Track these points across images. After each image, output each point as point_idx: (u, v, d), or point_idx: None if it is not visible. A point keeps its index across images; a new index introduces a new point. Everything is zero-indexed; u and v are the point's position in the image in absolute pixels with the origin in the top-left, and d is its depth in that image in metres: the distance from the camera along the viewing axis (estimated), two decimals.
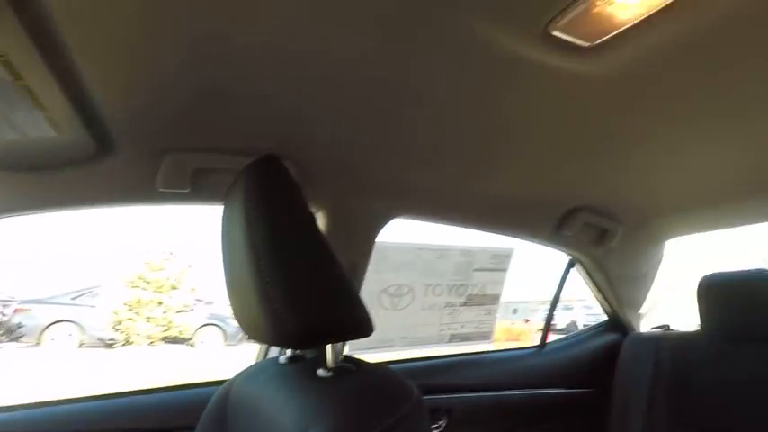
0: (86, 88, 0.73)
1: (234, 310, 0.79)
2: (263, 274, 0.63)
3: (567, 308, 12.55)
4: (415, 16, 0.66)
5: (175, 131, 0.91)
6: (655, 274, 1.86)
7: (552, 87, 0.84)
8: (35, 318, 7.11)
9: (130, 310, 8.40)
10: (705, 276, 1.51)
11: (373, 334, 1.58)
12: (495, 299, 1.65)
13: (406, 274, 1.46)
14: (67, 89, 0.71)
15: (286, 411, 0.63)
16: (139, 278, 8.77)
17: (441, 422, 1.48)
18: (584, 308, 10.97)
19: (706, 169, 1.25)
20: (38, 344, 7.01)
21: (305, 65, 0.76)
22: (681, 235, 1.79)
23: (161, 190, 0.97)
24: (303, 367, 0.78)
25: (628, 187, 1.38)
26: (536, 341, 1.84)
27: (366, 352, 1.50)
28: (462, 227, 1.43)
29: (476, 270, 1.56)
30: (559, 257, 1.80)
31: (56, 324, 7.18)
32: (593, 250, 1.67)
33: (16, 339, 6.99)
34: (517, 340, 10.71)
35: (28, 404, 1.04)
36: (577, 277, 1.87)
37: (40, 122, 0.77)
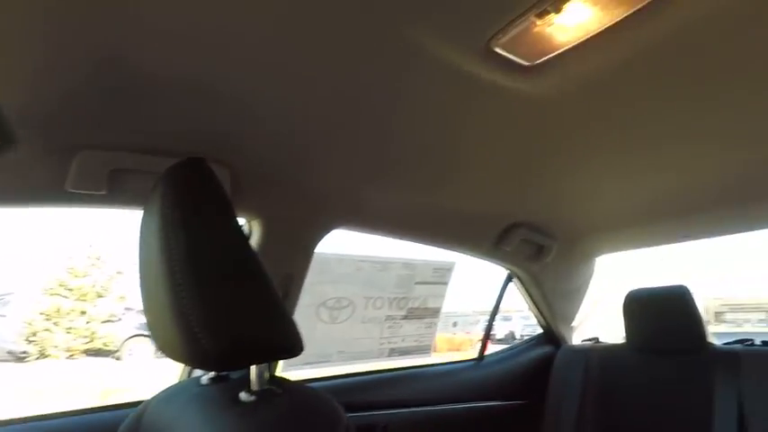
0: None
1: (149, 325, 0.71)
2: (179, 288, 0.56)
3: (506, 318, 12.98)
4: (356, 25, 0.64)
5: (89, 127, 0.82)
6: (586, 289, 1.94)
7: (494, 104, 0.84)
8: None
9: (48, 319, 7.65)
10: (629, 292, 1.60)
11: (311, 348, 1.53)
12: (435, 312, 1.65)
13: (346, 287, 1.42)
14: None
15: None
16: (60, 285, 8.03)
17: None
18: (521, 318, 11.42)
19: (635, 191, 1.32)
20: None
21: (240, 65, 0.71)
22: (611, 252, 1.89)
23: (71, 190, 0.86)
24: (225, 389, 0.71)
25: (563, 205, 1.44)
26: (477, 350, 1.86)
27: (303, 367, 1.44)
28: (404, 239, 1.41)
29: (417, 283, 1.55)
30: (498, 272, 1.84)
31: None
32: (530, 265, 1.72)
33: None
34: (458, 350, 10.92)
35: None
36: (516, 290, 1.92)
37: None
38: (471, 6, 0.62)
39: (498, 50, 0.69)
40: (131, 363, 7.42)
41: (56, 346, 7.51)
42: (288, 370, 1.37)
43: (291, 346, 0.66)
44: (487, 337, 1.87)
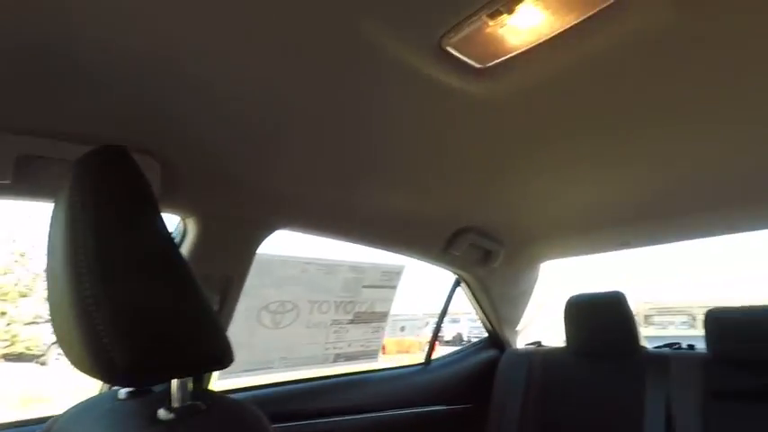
0: None
1: (55, 332, 0.63)
2: (86, 293, 0.49)
3: (455, 321, 13.26)
4: (306, 15, 0.59)
5: None
6: (531, 294, 1.99)
7: (446, 106, 0.82)
8: None
9: None
10: (570, 297, 1.65)
11: (251, 355, 1.45)
12: (383, 316, 1.62)
13: (290, 290, 1.36)
14: None
15: None
16: None
17: None
18: (469, 321, 11.69)
19: (580, 199, 1.35)
20: None
21: (172, 49, 0.64)
22: (556, 258, 1.94)
23: None
24: (143, 405, 0.63)
25: (511, 211, 1.45)
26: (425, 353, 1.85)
27: (241, 375, 1.36)
28: (352, 242, 1.37)
29: (365, 287, 1.51)
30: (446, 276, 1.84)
31: None
32: (478, 270, 1.73)
33: None
34: (407, 352, 11.02)
35: None
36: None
37: None
38: (424, 2, 0.59)
39: (450, 50, 0.66)
40: (58, 368, 6.85)
41: None
42: (225, 378, 1.29)
43: (219, 357, 0.60)
44: (435, 341, 1.86)
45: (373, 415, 1.55)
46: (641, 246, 1.71)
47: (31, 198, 0.84)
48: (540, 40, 0.64)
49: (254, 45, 0.66)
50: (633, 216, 1.45)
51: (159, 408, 0.57)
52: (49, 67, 0.68)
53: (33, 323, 7.41)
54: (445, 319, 1.96)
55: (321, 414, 1.43)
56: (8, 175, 0.77)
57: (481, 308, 1.90)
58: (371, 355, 1.65)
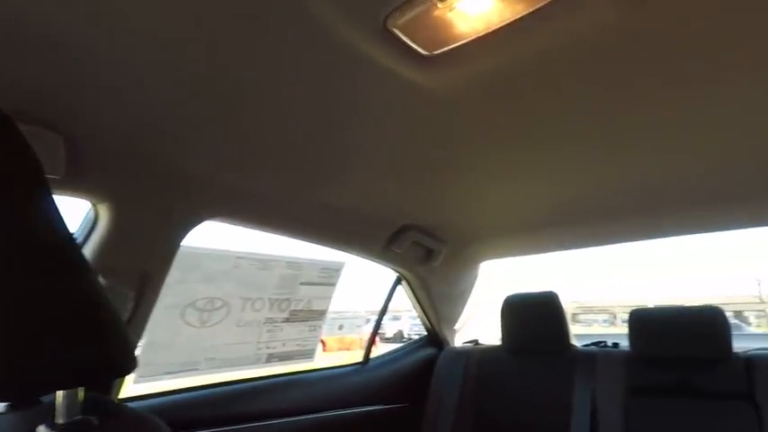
0: None
1: None
2: None
3: (396, 318, 13.42)
4: None
5: None
6: (470, 293, 2.01)
7: (389, 94, 0.78)
8: None
9: None
10: (506, 297, 1.68)
11: (173, 356, 1.33)
12: (321, 314, 1.56)
13: (220, 286, 1.26)
14: None
15: None
16: None
17: None
18: (410, 318, 11.86)
19: (522, 200, 1.37)
20: None
21: (82, 17, 0.55)
22: (496, 258, 1.97)
23: None
24: (22, 420, 0.54)
25: (453, 210, 1.45)
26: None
27: (162, 378, 1.25)
28: (288, 237, 1.30)
29: (302, 284, 1.44)
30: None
31: None
32: (419, 268, 1.72)
33: None
34: (348, 349, 10.99)
35: None
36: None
37: None
38: None
39: (396, 32, 0.62)
40: None
41: None
42: (141, 382, 1.18)
43: (118, 363, 0.52)
44: (373, 340, 1.83)
45: (308, 417, 1.49)
46: (577, 248, 1.78)
47: None
48: (489, 30, 0.61)
49: (179, 20, 0.58)
50: (570, 219, 1.50)
51: (41, 424, 0.48)
52: None
53: None
54: (386, 317, 1.93)
55: (252, 417, 1.35)
56: None
57: (421, 306, 1.89)
58: (308, 354, 1.58)
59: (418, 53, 0.67)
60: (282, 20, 0.59)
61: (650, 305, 1.49)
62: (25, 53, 0.63)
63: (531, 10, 0.58)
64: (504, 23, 0.60)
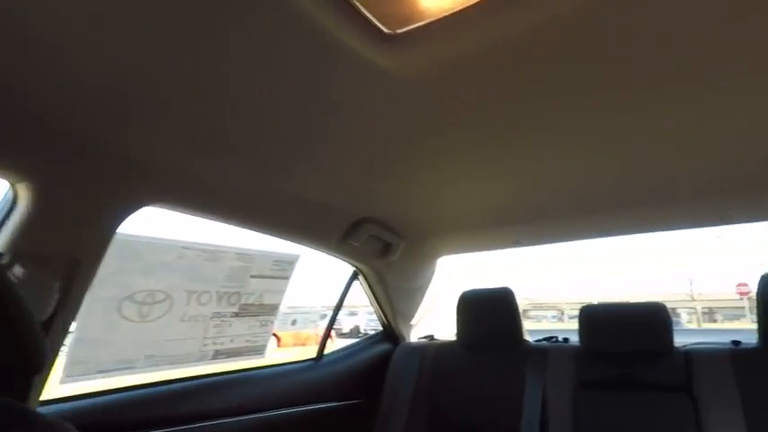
0: None
1: None
2: None
3: (353, 313, 13.41)
4: None
5: None
6: (427, 288, 2.00)
7: (348, 76, 0.74)
8: None
9: None
10: (462, 293, 1.68)
11: (109, 353, 1.23)
12: (273, 309, 1.49)
13: (162, 278, 1.17)
14: None
15: None
16: None
17: None
18: (367, 314, 11.88)
19: (481, 195, 1.36)
20: None
21: None
22: (454, 253, 1.98)
23: None
24: None
25: (411, 204, 1.42)
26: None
27: (95, 377, 1.15)
28: (238, 226, 1.23)
29: (254, 277, 1.37)
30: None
31: None
32: (376, 262, 1.69)
33: None
34: (304, 345, 10.86)
35: None
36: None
37: None
38: None
39: (358, 5, 0.58)
40: None
41: None
42: (69, 381, 1.07)
43: (29, 362, 0.45)
44: (328, 335, 1.78)
45: (257, 416, 1.43)
46: (530, 245, 1.81)
47: None
48: (455, 9, 0.58)
49: None
50: (527, 216, 1.52)
51: None
52: None
53: None
54: (343, 313, 1.89)
55: (196, 417, 1.28)
56: None
57: (377, 301, 1.87)
58: (258, 350, 1.51)
59: (380, 30, 0.63)
60: None
61: (595, 302, 1.53)
62: None
63: None
64: (470, 3, 0.57)
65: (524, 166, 1.15)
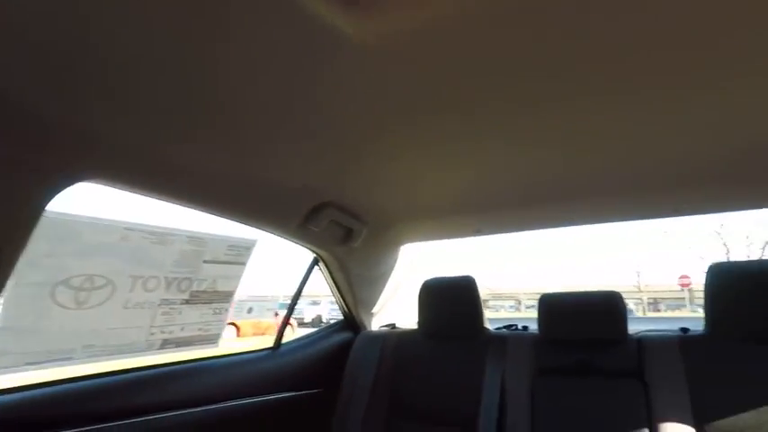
0: None
1: None
2: None
3: (315, 303, 13.30)
4: None
5: None
6: (389, 276, 1.98)
7: (307, 44, 0.68)
8: None
9: None
10: (424, 281, 1.67)
11: (41, 343, 1.12)
12: (227, 296, 1.42)
13: (103, 261, 1.08)
14: None
15: None
16: None
17: None
18: (329, 303, 11.80)
19: (445, 182, 1.34)
20: None
21: None
22: (417, 241, 1.95)
23: None
24: None
25: (374, 189, 1.38)
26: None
27: (25, 369, 1.05)
28: (189, 208, 1.14)
29: (206, 262, 1.29)
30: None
31: None
32: (337, 249, 1.64)
33: None
34: (264, 334, 10.67)
35: None
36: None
37: None
38: None
39: None
40: None
41: None
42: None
43: None
44: (286, 323, 1.73)
45: (210, 407, 1.36)
46: (491, 233, 1.81)
47: None
48: None
49: None
50: (491, 204, 1.51)
51: None
52: None
53: None
54: (305, 302, 1.84)
55: (142, 410, 1.21)
56: None
57: (338, 288, 1.82)
58: (211, 339, 1.44)
59: None
60: None
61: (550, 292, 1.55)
62: None
63: None
64: None
65: (485, 156, 1.13)
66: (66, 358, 1.10)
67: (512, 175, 1.28)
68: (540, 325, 1.43)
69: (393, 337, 1.72)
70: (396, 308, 2.09)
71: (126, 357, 1.22)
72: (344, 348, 1.78)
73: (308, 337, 1.84)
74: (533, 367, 1.41)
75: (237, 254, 1.38)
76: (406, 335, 1.71)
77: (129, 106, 0.78)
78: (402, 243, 1.95)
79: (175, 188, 1.05)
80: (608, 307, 1.35)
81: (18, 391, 1.06)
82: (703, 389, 1.16)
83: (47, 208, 0.84)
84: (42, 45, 0.62)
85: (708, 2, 0.60)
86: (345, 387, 1.65)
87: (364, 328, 1.94)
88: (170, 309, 1.27)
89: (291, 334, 1.88)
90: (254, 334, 10.77)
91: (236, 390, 1.47)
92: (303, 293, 1.78)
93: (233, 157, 1.04)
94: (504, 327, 1.69)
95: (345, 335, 1.89)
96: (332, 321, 2.05)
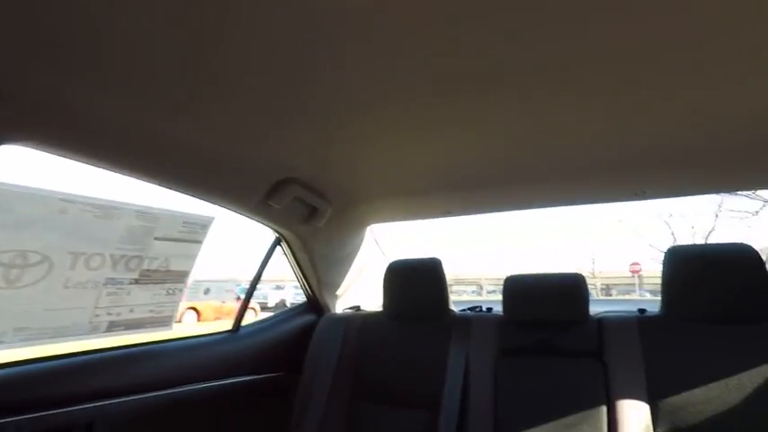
0: None
1: None
2: None
3: (279, 287, 13.13)
4: None
5: None
6: (355, 257, 1.93)
7: (276, 16, 0.61)
8: None
9: None
10: (390, 263, 1.64)
11: None
12: (182, 276, 1.33)
13: (38, 236, 0.98)
14: None
15: None
16: None
17: None
18: (294, 288, 11.67)
19: (412, 160, 1.30)
20: None
21: None
22: (384, 221, 1.91)
23: None
24: None
25: (340, 165, 1.32)
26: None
27: None
28: (139, 179, 1.05)
29: (158, 239, 1.20)
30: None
31: None
32: (301, 228, 1.58)
33: None
34: (227, 318, 10.43)
35: None
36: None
37: None
38: None
39: None
40: None
41: None
42: None
43: None
44: (246, 306, 1.66)
45: (166, 392, 1.30)
46: (461, 214, 1.80)
47: None
48: None
49: None
50: (455, 184, 1.48)
51: None
52: None
53: None
54: (270, 286, 1.77)
55: (95, 395, 1.14)
56: None
57: (301, 269, 1.77)
58: (164, 321, 1.35)
59: None
60: None
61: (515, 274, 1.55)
62: None
63: None
64: None
65: (454, 136, 1.10)
66: None
67: (480, 156, 1.25)
68: (504, 306, 1.43)
69: (357, 319, 1.68)
70: (361, 290, 2.05)
71: (68, 341, 1.12)
72: (307, 331, 1.73)
73: (269, 319, 1.78)
74: (497, 348, 1.41)
75: (193, 231, 1.29)
76: (371, 317, 1.68)
77: (69, 61, 0.68)
78: (369, 223, 1.91)
79: (121, 157, 0.96)
80: (571, 289, 1.36)
81: None
82: (658, 367, 1.19)
83: None
84: None
85: None
86: (308, 370, 1.61)
87: (328, 310, 1.90)
88: (117, 289, 1.18)
89: (255, 319, 1.82)
90: (217, 318, 10.53)
91: (194, 373, 1.40)
92: (268, 278, 1.71)
93: (189, 125, 0.96)
94: (469, 308, 1.69)
95: (308, 317, 1.85)
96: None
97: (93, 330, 1.17)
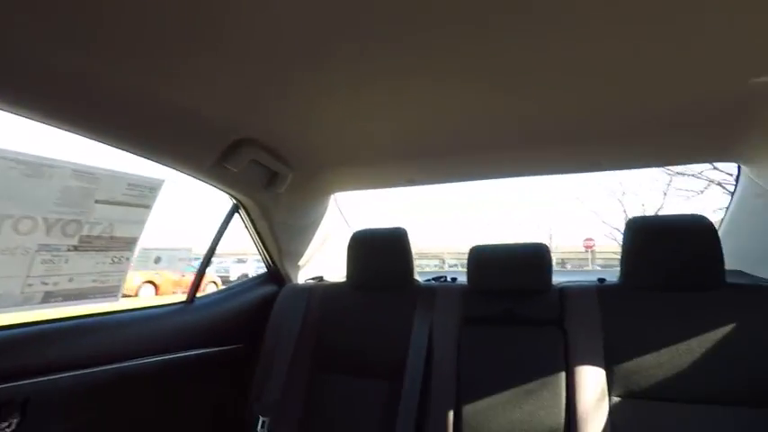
0: None
1: None
2: None
3: (241, 261, 12.89)
4: None
5: None
6: (318, 227, 1.87)
7: None
8: None
9: None
10: (354, 232, 1.59)
11: None
12: (129, 243, 1.23)
13: None
14: None
15: None
16: None
17: (8, 422, 1.00)
18: (256, 261, 11.47)
19: (376, 128, 1.24)
20: None
21: None
22: (348, 189, 1.85)
23: None
24: None
25: (302, 129, 1.24)
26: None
27: None
28: (76, 134, 0.94)
29: (99, 202, 1.10)
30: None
31: None
32: (261, 195, 1.50)
33: None
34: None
35: None
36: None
37: None
38: None
39: None
40: None
41: None
42: None
43: None
44: (201, 276, 1.58)
45: (114, 366, 1.21)
46: (425, 183, 1.76)
47: None
48: None
49: None
50: (419, 152, 1.44)
51: None
52: None
53: None
54: (232, 260, 1.69)
55: (42, 369, 1.06)
56: None
57: (261, 238, 1.69)
58: (110, 292, 1.25)
59: None
60: None
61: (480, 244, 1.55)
62: None
63: None
64: None
65: (418, 100, 1.05)
66: None
67: (440, 125, 1.22)
68: (468, 275, 1.43)
69: (320, 289, 1.64)
70: (324, 261, 2.00)
71: None
72: (268, 302, 1.67)
73: (227, 290, 1.71)
74: (461, 317, 1.41)
75: (140, 194, 1.19)
76: (334, 287, 1.64)
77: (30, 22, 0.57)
78: (332, 191, 1.84)
79: (60, 108, 0.85)
80: (535, 258, 1.36)
81: None
82: (615, 334, 1.22)
83: None
84: None
85: None
86: (268, 341, 1.56)
87: (290, 280, 1.84)
88: (53, 256, 1.07)
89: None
90: (176, 292, 10.23)
91: (146, 346, 1.33)
92: (230, 251, 1.63)
93: (134, 76, 0.85)
94: (434, 278, 1.68)
95: (269, 288, 1.78)
96: None
97: (27, 301, 1.06)
